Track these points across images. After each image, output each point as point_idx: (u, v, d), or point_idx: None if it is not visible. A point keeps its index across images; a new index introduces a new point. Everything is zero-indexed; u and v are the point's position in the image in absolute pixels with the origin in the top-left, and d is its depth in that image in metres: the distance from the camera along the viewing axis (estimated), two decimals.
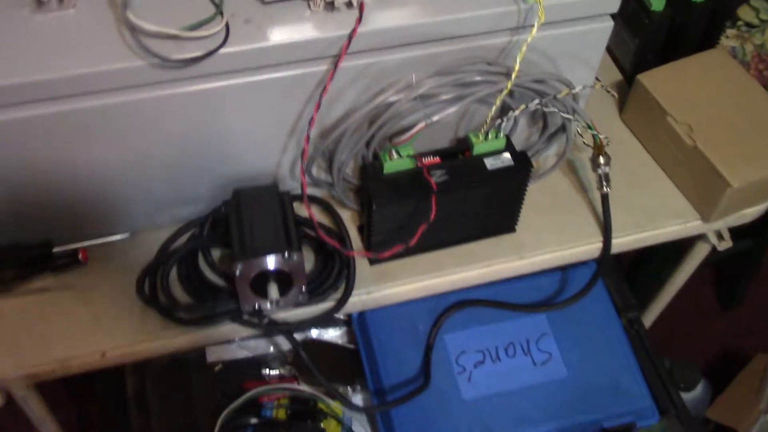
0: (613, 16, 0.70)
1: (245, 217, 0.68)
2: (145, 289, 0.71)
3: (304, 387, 0.83)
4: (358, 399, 0.87)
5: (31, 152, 0.63)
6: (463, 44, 0.66)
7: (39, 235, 0.70)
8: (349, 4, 0.62)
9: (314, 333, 0.88)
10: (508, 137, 0.72)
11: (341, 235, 0.75)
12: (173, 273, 0.72)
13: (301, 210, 0.74)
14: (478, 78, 0.67)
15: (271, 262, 0.64)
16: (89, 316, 0.70)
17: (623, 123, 0.88)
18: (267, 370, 0.85)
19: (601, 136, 0.74)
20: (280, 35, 0.61)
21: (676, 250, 0.98)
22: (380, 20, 0.63)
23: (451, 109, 0.66)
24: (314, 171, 0.73)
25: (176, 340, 0.70)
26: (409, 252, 0.73)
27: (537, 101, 0.70)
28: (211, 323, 0.70)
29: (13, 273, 0.70)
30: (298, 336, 0.85)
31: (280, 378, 0.85)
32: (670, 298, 1.03)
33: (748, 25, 1.08)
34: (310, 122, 0.64)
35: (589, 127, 0.73)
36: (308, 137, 0.64)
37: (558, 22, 0.68)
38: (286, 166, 0.73)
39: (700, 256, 0.94)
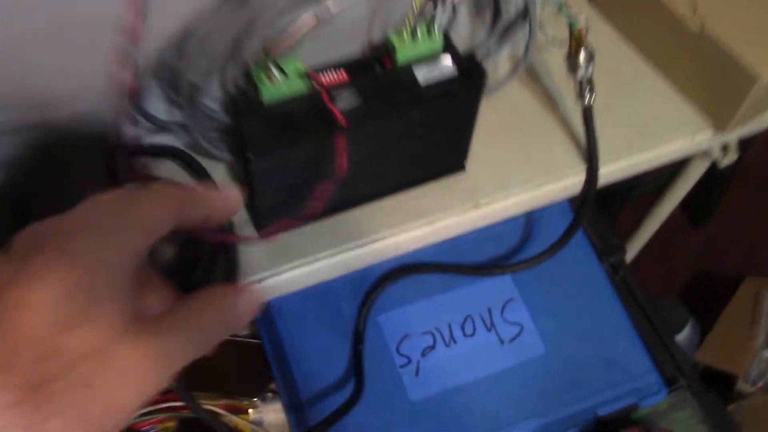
0: None
1: (48, 189, 0.43)
2: None
3: (196, 403, 0.60)
4: (276, 407, 0.66)
5: None
6: None
7: None
8: None
9: None
10: (447, 34, 0.48)
11: None
12: None
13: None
14: None
15: None
16: None
17: (592, 6, 0.65)
18: None
19: (580, 22, 0.50)
20: None
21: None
22: None
23: None
24: (161, 108, 0.48)
25: None
26: (315, 216, 0.50)
27: None
28: None
29: None
30: None
31: (162, 394, 0.63)
32: (653, 233, 0.84)
33: None
34: (132, 30, 0.39)
35: (561, 9, 0.50)
36: (131, 54, 0.39)
37: None
38: (112, 102, 0.47)
39: (695, 176, 0.73)
